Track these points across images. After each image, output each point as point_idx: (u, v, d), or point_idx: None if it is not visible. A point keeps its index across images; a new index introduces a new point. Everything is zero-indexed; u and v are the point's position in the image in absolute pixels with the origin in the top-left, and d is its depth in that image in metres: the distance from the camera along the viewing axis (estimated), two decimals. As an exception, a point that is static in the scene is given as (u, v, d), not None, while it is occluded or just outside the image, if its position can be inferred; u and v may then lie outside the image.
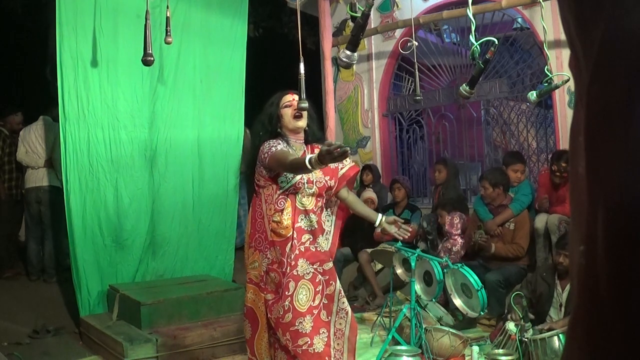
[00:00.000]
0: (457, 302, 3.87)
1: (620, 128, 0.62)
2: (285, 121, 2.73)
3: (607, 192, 0.63)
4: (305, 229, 2.69)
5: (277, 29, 10.01)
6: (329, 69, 6.55)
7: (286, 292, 2.61)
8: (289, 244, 2.64)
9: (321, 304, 2.68)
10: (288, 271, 2.63)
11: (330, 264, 2.70)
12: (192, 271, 5.15)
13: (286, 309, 2.60)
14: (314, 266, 2.68)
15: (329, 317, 2.70)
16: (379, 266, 5.56)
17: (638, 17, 0.61)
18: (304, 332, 2.59)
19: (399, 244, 4.32)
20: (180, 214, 5.12)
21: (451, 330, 3.84)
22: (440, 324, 4.12)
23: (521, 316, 3.60)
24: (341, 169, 2.84)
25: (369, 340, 4.26)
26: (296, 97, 2.70)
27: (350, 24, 6.80)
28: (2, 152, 6.05)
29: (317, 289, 2.67)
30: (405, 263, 4.15)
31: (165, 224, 5.02)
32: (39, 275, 5.82)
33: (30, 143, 5.82)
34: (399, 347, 3.58)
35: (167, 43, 3.51)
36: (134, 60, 4.59)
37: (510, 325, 3.64)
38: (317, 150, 2.75)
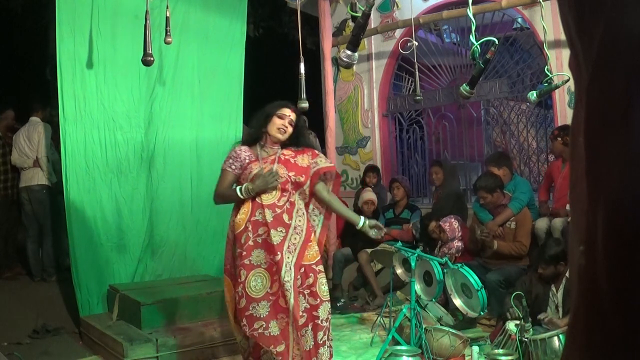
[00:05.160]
0: (457, 302, 3.87)
1: (620, 128, 0.62)
2: (270, 127, 3.02)
3: (607, 192, 0.63)
4: (262, 221, 2.90)
5: (277, 29, 10.01)
6: (329, 69, 6.54)
7: (238, 280, 2.87)
8: (244, 235, 2.89)
9: (279, 291, 2.85)
10: (239, 261, 2.87)
11: (278, 257, 2.83)
12: (191, 271, 5.14)
13: (240, 295, 2.85)
14: (270, 256, 2.87)
15: (287, 305, 2.84)
16: (379, 266, 5.55)
17: (638, 17, 0.61)
18: (258, 316, 2.81)
19: (399, 243, 4.33)
20: (179, 214, 5.11)
21: (451, 330, 3.84)
22: (440, 324, 4.11)
23: (521, 316, 3.59)
24: (314, 167, 3.04)
25: (369, 340, 4.26)
26: (293, 115, 3.01)
27: (351, 24, 6.81)
28: None
29: (275, 278, 2.86)
30: (405, 263, 4.15)
31: (164, 224, 5.02)
32: (40, 275, 5.82)
33: (20, 145, 5.88)
34: (399, 347, 3.58)
35: (167, 43, 3.52)
36: (131, 61, 4.60)
37: (510, 325, 3.64)
38: (305, 156, 3.05)
